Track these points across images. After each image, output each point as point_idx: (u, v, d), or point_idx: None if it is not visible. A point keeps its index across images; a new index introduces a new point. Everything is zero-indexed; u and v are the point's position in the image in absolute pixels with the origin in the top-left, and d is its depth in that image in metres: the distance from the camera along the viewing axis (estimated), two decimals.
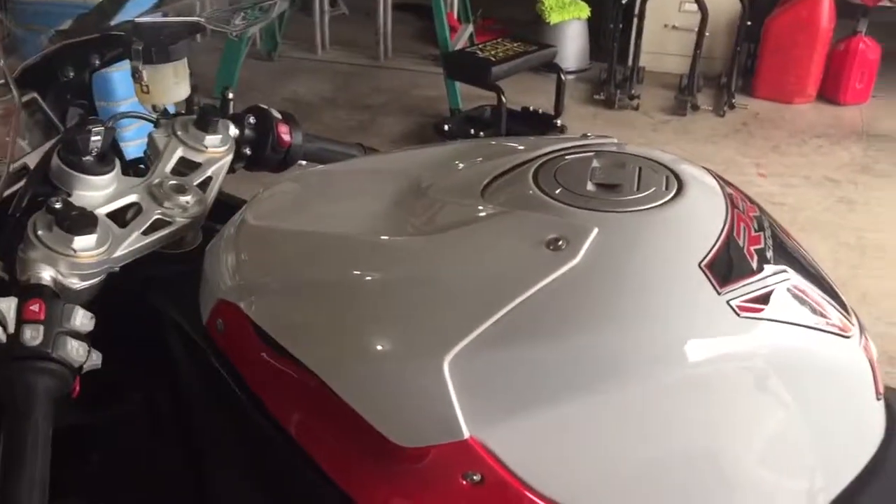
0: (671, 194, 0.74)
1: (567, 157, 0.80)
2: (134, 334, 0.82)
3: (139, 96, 0.93)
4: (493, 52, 3.41)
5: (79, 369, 0.70)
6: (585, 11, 4.42)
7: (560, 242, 0.68)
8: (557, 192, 0.74)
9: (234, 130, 0.97)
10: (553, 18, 4.34)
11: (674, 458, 0.67)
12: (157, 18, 0.93)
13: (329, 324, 0.70)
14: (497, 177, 0.79)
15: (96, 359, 0.72)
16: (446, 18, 3.88)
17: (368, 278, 0.72)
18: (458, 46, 4.05)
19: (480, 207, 0.75)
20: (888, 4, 4.03)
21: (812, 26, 4.06)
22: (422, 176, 0.83)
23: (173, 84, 0.93)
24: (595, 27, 4.54)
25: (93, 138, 0.81)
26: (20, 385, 0.66)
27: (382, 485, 0.70)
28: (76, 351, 0.69)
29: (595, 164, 0.78)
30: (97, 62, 0.94)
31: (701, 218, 0.72)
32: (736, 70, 4.25)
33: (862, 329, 0.76)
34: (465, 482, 0.67)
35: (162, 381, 0.83)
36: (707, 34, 4.10)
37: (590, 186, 0.74)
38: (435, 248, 0.72)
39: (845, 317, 0.75)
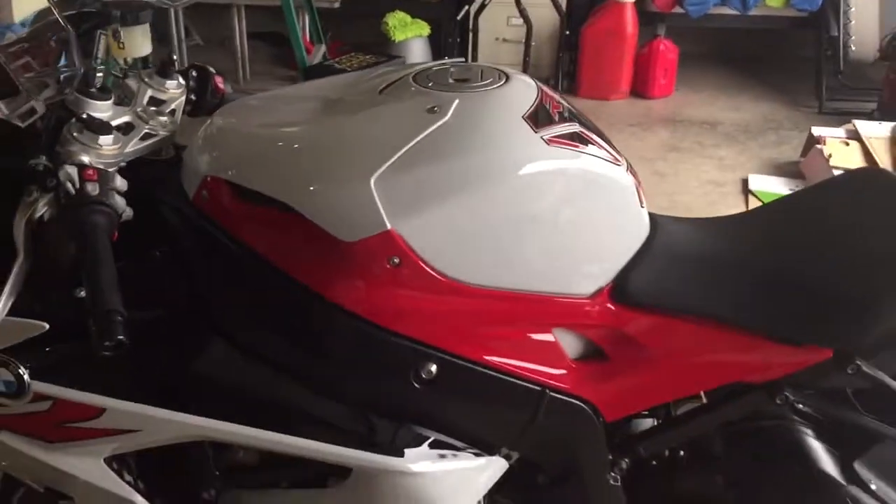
0: (502, 82, 1.15)
1: (433, 68, 1.19)
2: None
3: (115, 51, 1.25)
4: (349, 64, 3.80)
5: (120, 217, 1.02)
6: (426, 29, 4.89)
7: (436, 108, 1.07)
8: (430, 85, 1.13)
9: (181, 81, 1.31)
10: (397, 36, 4.78)
11: (520, 228, 1.06)
12: None
13: (288, 164, 1.06)
14: (387, 85, 1.17)
15: (130, 213, 1.04)
16: (301, 39, 4.24)
17: (314, 133, 1.09)
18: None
19: (382, 98, 1.13)
20: (680, 11, 4.73)
21: (619, 33, 4.69)
22: (337, 88, 1.21)
23: (141, 41, 1.26)
24: (435, 43, 5.02)
25: (98, 75, 1.14)
26: (88, 221, 0.97)
27: (334, 275, 1.05)
28: (119, 202, 1.01)
29: (451, 69, 1.18)
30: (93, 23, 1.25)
31: (522, 93, 1.13)
32: (560, 74, 4.84)
33: (629, 164, 1.19)
34: (388, 265, 1.04)
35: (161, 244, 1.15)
36: (533, 44, 4.64)
37: (450, 80, 1.14)
38: (360, 115, 1.10)
39: (617, 154, 1.17)
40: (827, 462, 1.23)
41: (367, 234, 1.02)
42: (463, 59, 1.28)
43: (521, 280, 1.09)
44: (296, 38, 4.12)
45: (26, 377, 1.05)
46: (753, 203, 3.55)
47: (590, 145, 1.13)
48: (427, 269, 1.04)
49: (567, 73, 4.93)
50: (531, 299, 1.10)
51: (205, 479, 1.17)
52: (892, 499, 1.22)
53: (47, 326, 1.03)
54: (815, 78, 4.65)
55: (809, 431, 1.25)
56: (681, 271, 1.16)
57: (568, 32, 4.78)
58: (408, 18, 4.91)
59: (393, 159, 1.02)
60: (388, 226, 1.01)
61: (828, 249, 1.17)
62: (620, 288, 1.13)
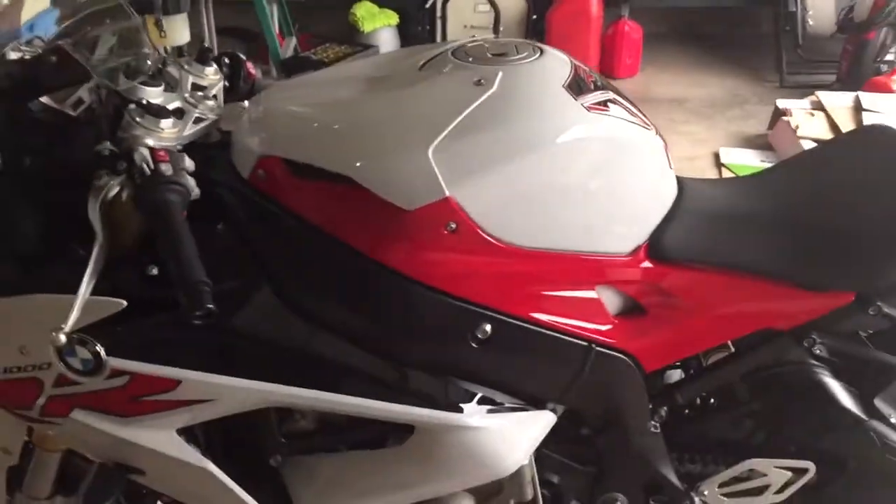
0: (537, 55, 1.21)
1: (469, 45, 1.25)
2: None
3: (156, 40, 1.29)
4: (325, 55, 3.84)
5: (189, 195, 1.06)
6: (394, 18, 4.93)
7: (482, 81, 1.13)
8: (470, 60, 1.20)
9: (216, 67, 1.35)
10: (366, 27, 4.82)
11: (567, 192, 1.13)
12: None
13: (345, 138, 1.11)
14: (426, 62, 1.23)
15: (198, 192, 1.08)
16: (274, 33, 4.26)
17: (364, 108, 1.15)
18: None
19: (424, 74, 1.19)
20: None
21: (585, 15, 4.79)
22: (374, 68, 1.26)
23: (181, 30, 1.30)
24: (404, 32, 5.06)
25: (149, 62, 1.17)
26: (165, 199, 1.01)
27: (394, 242, 1.11)
28: (190, 181, 1.06)
29: (487, 45, 1.24)
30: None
31: (558, 64, 1.20)
32: None
33: (657, 129, 1.26)
34: (445, 231, 1.10)
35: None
36: (501, 30, 4.72)
37: (488, 55, 1.21)
38: (407, 91, 1.15)
39: (647, 119, 1.25)
40: (848, 400, 1.32)
41: (427, 201, 1.07)
42: (496, 35, 1.34)
43: (565, 241, 1.15)
44: (269, 31, 4.14)
45: (103, 354, 1.09)
46: (727, 175, 3.68)
47: (622, 111, 1.20)
48: (481, 233, 1.11)
49: None
50: (575, 259, 1.17)
51: (271, 446, 1.22)
52: None
53: (125, 303, 1.07)
54: (775, 53, 4.80)
55: (830, 373, 1.34)
56: (709, 227, 1.24)
57: (535, 17, 4.86)
58: (375, 9, 4.95)
59: (448, 130, 1.08)
60: (447, 193, 1.07)
61: (843, 200, 1.26)
62: (655, 245, 1.21)
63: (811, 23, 4.69)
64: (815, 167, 1.36)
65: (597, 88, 1.20)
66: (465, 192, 1.08)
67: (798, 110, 3.86)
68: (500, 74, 1.15)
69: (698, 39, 5.39)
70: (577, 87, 1.17)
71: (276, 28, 4.68)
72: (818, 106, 3.88)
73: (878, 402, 1.31)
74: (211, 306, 0.95)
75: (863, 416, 1.31)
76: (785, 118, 3.80)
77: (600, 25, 4.87)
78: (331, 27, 5.13)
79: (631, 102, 1.25)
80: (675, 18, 5.40)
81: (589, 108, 1.15)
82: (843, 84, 4.38)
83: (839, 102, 3.86)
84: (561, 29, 4.85)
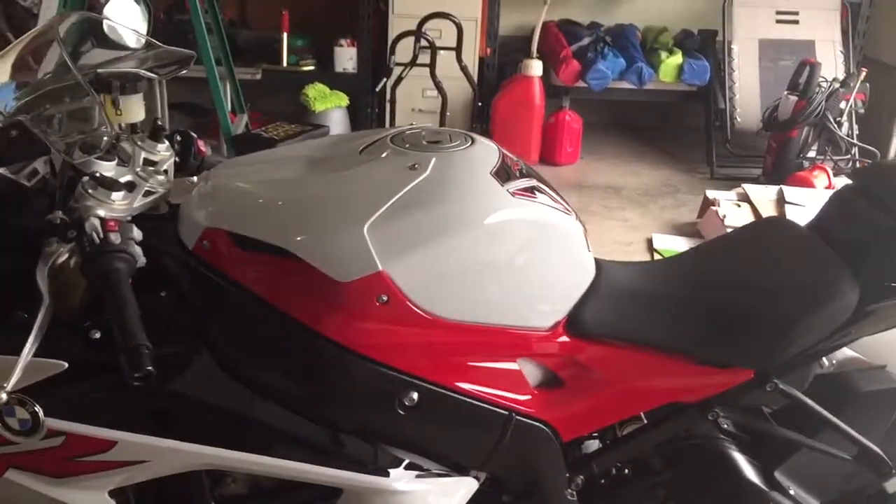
0: (469, 143, 1.32)
1: (406, 132, 1.36)
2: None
3: (112, 117, 1.36)
4: (275, 133, 3.95)
5: (136, 263, 1.13)
6: (344, 100, 5.08)
7: (416, 166, 1.23)
8: (407, 146, 1.30)
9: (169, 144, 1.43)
10: (317, 107, 4.96)
11: (491, 270, 1.22)
12: (122, 70, 1.38)
13: (287, 213, 1.19)
14: (366, 146, 1.33)
15: (143, 260, 1.15)
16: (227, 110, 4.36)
17: (307, 186, 1.23)
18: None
19: (363, 157, 1.29)
20: (583, 85, 5.08)
21: (527, 104, 5.00)
22: (318, 150, 1.36)
23: (136, 108, 1.38)
24: (354, 113, 5.21)
25: (105, 138, 1.25)
26: (113, 268, 1.08)
27: (328, 312, 1.18)
28: (137, 250, 1.12)
29: (423, 132, 1.35)
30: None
31: (486, 152, 1.31)
32: None
33: (577, 215, 1.37)
34: (377, 303, 1.18)
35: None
36: (448, 115, 4.89)
37: (424, 142, 1.31)
38: (347, 172, 1.24)
39: (567, 205, 1.35)
40: (752, 472, 1.41)
41: (361, 274, 1.16)
42: (430, 125, 1.45)
43: (490, 315, 1.24)
44: (221, 108, 4.23)
45: (41, 414, 1.13)
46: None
47: (546, 197, 1.31)
48: (410, 305, 1.19)
49: None
50: (498, 332, 1.25)
51: None
52: (808, 501, 1.42)
53: (66, 365, 1.12)
54: (705, 146, 5.07)
55: (735, 447, 1.44)
56: (623, 306, 1.34)
57: (480, 104, 5.05)
58: (327, 90, 5.10)
59: (383, 209, 1.17)
60: (380, 267, 1.15)
61: (744, 284, 1.38)
62: (573, 322, 1.30)
63: (739, 120, 4.98)
64: (721, 254, 1.48)
65: (522, 176, 1.31)
66: (396, 267, 1.17)
67: (725, 201, 4.07)
68: (434, 160, 1.25)
69: (635, 131, 5.66)
70: (504, 174, 1.28)
71: (228, 105, 4.80)
72: (744, 197, 4.10)
73: (779, 475, 1.41)
74: (150, 368, 1.01)
75: (764, 487, 1.40)
76: (713, 208, 4.00)
77: (542, 114, 5.09)
78: (283, 106, 5.26)
79: (553, 190, 1.36)
80: (613, 110, 5.67)
81: (514, 194, 1.25)
82: (768, 177, 4.64)
83: (764, 195, 4.09)
84: (505, 116, 5.05)
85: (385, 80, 4.99)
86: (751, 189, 4.13)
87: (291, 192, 1.24)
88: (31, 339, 1.07)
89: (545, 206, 1.29)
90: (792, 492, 1.40)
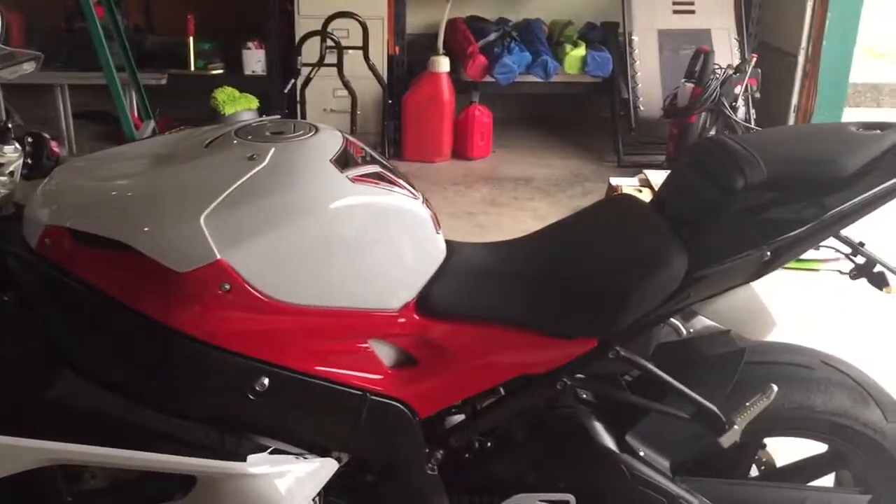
0: (312, 133, 1.35)
1: (253, 124, 1.39)
2: None
3: None
4: None
5: None
6: (254, 102, 5.06)
7: (254, 156, 1.26)
8: (249, 138, 1.33)
9: (18, 146, 1.43)
10: (227, 110, 4.92)
11: (333, 254, 1.25)
12: None
13: (124, 208, 1.21)
14: (212, 140, 1.35)
15: None
16: (130, 115, 4.30)
17: (146, 180, 1.25)
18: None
19: (207, 151, 1.31)
20: (491, 79, 5.16)
21: (437, 100, 5.05)
22: (165, 145, 1.37)
23: None
24: (264, 115, 5.19)
25: None
26: None
27: (172, 303, 1.20)
28: None
29: (268, 125, 1.38)
30: None
31: (329, 141, 1.34)
32: (386, 140, 5.13)
33: (425, 198, 1.42)
34: (220, 291, 1.20)
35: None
36: (359, 113, 4.91)
37: (267, 133, 1.34)
38: (188, 165, 1.27)
39: (414, 190, 1.40)
40: (605, 437, 1.48)
41: (200, 264, 1.18)
42: (279, 115, 1.48)
43: (336, 298, 1.28)
44: (124, 115, 4.18)
45: None
46: None
47: (389, 182, 1.35)
48: (254, 292, 1.22)
49: (392, 139, 5.23)
50: (347, 315, 1.29)
51: None
52: (658, 462, 1.49)
53: None
54: (612, 135, 5.19)
55: (591, 414, 1.50)
56: (472, 284, 1.39)
57: (390, 101, 5.09)
58: (236, 93, 5.07)
59: (219, 199, 1.20)
60: (218, 256, 1.18)
61: (587, 258, 1.44)
62: (423, 302, 1.35)
63: (642, 108, 5.11)
64: (566, 231, 1.54)
65: (365, 163, 1.35)
66: (236, 256, 1.19)
67: (628, 187, 4.18)
68: (273, 150, 1.28)
69: (544, 124, 5.76)
70: (344, 161, 1.31)
71: (134, 112, 4.74)
72: (646, 183, 4.21)
73: (630, 438, 1.47)
74: None
75: (616, 450, 1.46)
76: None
77: (452, 110, 5.14)
78: (193, 111, 5.21)
79: (399, 175, 1.40)
80: (522, 104, 5.76)
81: (353, 180, 1.29)
82: (671, 163, 4.77)
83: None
84: (415, 113, 5.09)
85: (293, 81, 4.99)
86: (652, 174, 4.25)
87: (131, 187, 1.26)
88: None
89: (387, 190, 1.33)
90: (642, 453, 1.47)
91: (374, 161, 1.38)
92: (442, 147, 5.15)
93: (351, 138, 1.41)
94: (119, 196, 1.25)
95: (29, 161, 1.44)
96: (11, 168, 1.37)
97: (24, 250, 1.25)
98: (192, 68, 5.21)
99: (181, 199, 1.22)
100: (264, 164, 1.25)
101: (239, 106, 5.03)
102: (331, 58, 4.78)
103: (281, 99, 5.02)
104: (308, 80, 4.92)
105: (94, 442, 1.21)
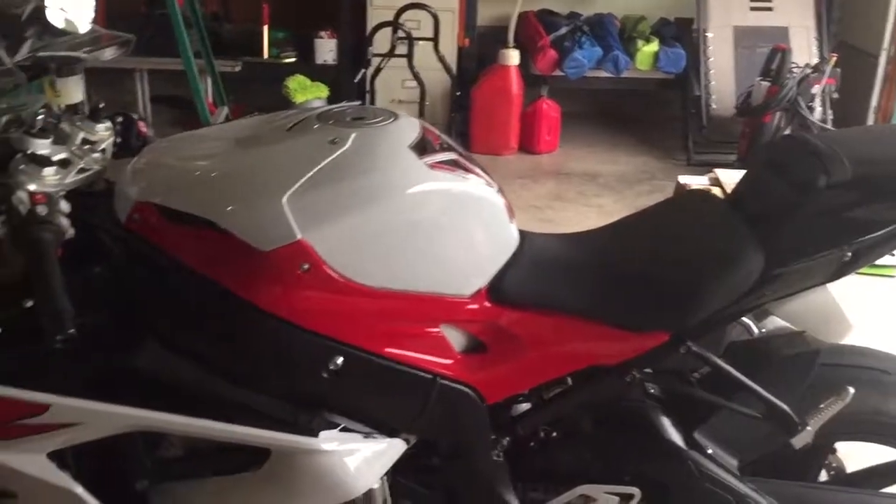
0: (391, 120, 1.38)
1: (334, 110, 1.42)
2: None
3: (51, 98, 1.42)
4: None
5: (63, 235, 1.18)
6: (325, 91, 5.13)
7: (336, 140, 1.29)
8: (331, 122, 1.35)
9: (109, 125, 1.49)
10: (298, 98, 5.00)
11: (410, 239, 1.27)
12: (60, 53, 1.44)
13: (211, 186, 1.25)
14: (294, 124, 1.38)
15: (72, 232, 1.20)
16: (205, 101, 4.41)
17: (232, 161, 1.29)
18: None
19: (290, 134, 1.34)
20: (560, 74, 5.13)
21: (506, 93, 5.05)
22: (249, 128, 1.41)
23: (74, 90, 1.43)
24: (334, 104, 5.25)
25: (38, 118, 1.31)
26: (38, 237, 1.13)
27: (253, 280, 1.24)
28: (64, 222, 1.18)
29: (349, 110, 1.40)
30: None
31: (407, 128, 1.36)
32: (453, 132, 5.15)
33: (500, 188, 1.43)
34: (299, 270, 1.23)
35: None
36: (427, 104, 4.94)
37: (348, 119, 1.37)
38: (272, 147, 1.30)
39: (489, 178, 1.41)
40: (672, 433, 1.47)
41: (281, 243, 1.21)
42: (360, 102, 1.50)
43: (410, 282, 1.30)
44: (199, 101, 4.28)
45: None
46: None
47: (465, 170, 1.37)
48: (332, 273, 1.24)
49: (459, 131, 5.24)
50: (421, 299, 1.31)
51: (138, 472, 1.31)
52: (726, 460, 1.47)
53: (0, 331, 1.18)
54: (682, 133, 5.12)
55: (659, 409, 1.50)
56: (544, 274, 1.40)
57: (459, 93, 5.10)
58: (307, 81, 5.15)
59: (302, 181, 1.23)
60: (299, 236, 1.21)
61: (661, 252, 1.43)
62: (495, 289, 1.36)
63: (714, 106, 5.02)
64: (640, 226, 1.53)
65: (442, 150, 1.37)
66: (316, 236, 1.22)
67: (697, 186, 4.12)
68: (354, 135, 1.31)
69: (613, 119, 5.71)
70: (422, 147, 1.33)
71: (208, 98, 4.85)
72: (715, 182, 4.14)
73: (698, 435, 1.46)
74: (72, 331, 1.07)
75: (683, 446, 1.45)
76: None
77: (521, 103, 5.13)
78: (264, 99, 5.31)
79: (476, 163, 1.42)
80: (591, 99, 5.71)
81: (431, 166, 1.31)
82: (742, 162, 4.68)
83: (735, 178, 4.12)
84: (483, 105, 5.10)
85: (364, 71, 5.05)
86: (722, 173, 4.17)
87: (217, 167, 1.30)
88: None
89: (463, 178, 1.34)
90: (710, 451, 1.46)
91: (450, 149, 1.39)
92: (509, 140, 5.14)
93: (428, 126, 1.43)
94: (205, 175, 1.29)
95: (118, 140, 1.50)
96: (103, 146, 1.42)
97: (113, 225, 1.30)
98: (266, 56, 5.29)
99: (265, 179, 1.25)
100: (345, 148, 1.28)
101: (309, 94, 5.11)
102: (401, 49, 4.82)
103: (351, 88, 5.08)
104: (378, 70, 4.97)
105: (175, 411, 1.25)
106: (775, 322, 1.63)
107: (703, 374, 1.52)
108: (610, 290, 1.38)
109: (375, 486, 1.36)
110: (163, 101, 5.54)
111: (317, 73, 5.24)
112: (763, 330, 1.62)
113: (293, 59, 5.37)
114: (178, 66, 4.27)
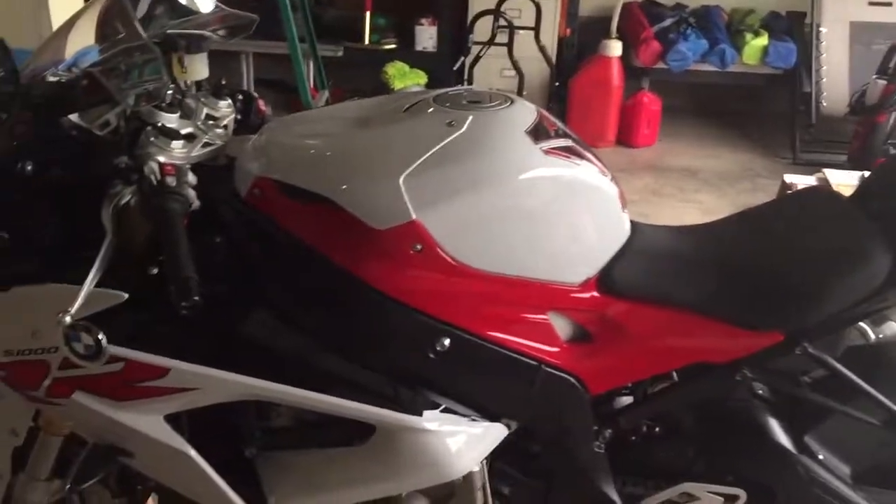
0: (508, 104, 1.37)
1: (450, 92, 1.42)
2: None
3: (178, 74, 1.47)
4: None
5: (190, 205, 1.22)
6: (423, 78, 5.17)
7: (453, 123, 1.29)
8: (447, 105, 1.36)
9: (230, 102, 1.53)
10: (396, 84, 5.06)
11: (522, 224, 1.27)
12: (188, 31, 1.48)
13: (329, 164, 1.27)
14: (410, 105, 1.39)
15: (197, 203, 1.24)
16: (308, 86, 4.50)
17: (350, 140, 1.31)
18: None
19: (406, 115, 1.36)
20: (663, 66, 5.03)
21: (606, 84, 4.99)
22: (365, 108, 1.43)
23: (200, 67, 1.48)
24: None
25: (168, 92, 1.35)
26: (168, 207, 1.18)
27: (366, 258, 1.25)
28: (191, 193, 1.22)
29: (465, 93, 1.41)
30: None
31: (524, 113, 1.36)
32: None
33: (613, 176, 1.41)
34: (411, 251, 1.24)
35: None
36: (525, 94, 4.92)
37: (464, 102, 1.37)
38: (389, 127, 1.32)
39: (603, 167, 1.39)
40: (781, 436, 1.43)
41: (396, 223, 1.23)
42: (473, 86, 1.50)
43: (520, 267, 1.29)
44: (302, 84, 4.37)
45: (104, 341, 1.24)
46: None
47: (580, 157, 1.35)
48: (444, 255, 1.25)
49: None
50: (529, 285, 1.30)
51: (248, 438, 1.35)
52: (837, 467, 1.42)
53: (126, 296, 1.23)
54: (789, 131, 4.94)
55: (767, 410, 1.45)
56: (656, 266, 1.38)
57: (557, 84, 5.06)
58: (406, 68, 5.20)
59: (419, 162, 1.24)
60: (413, 216, 1.22)
61: (779, 249, 1.39)
62: (604, 279, 1.34)
63: (825, 104, 4.84)
64: (758, 220, 1.49)
65: (558, 136, 1.36)
66: (430, 217, 1.23)
67: (804, 185, 3.98)
68: (470, 118, 1.31)
69: (715, 115, 5.56)
70: (537, 132, 1.32)
71: (310, 82, 4.95)
72: (824, 182, 3.98)
73: (808, 439, 1.42)
74: (197, 298, 1.10)
75: (793, 450, 1.41)
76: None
77: (620, 95, 5.06)
78: (363, 84, 5.38)
79: (591, 151, 1.40)
80: (694, 93, 5.58)
81: (547, 152, 1.30)
82: (853, 163, 4.50)
83: (845, 180, 3.96)
84: (582, 96, 5.04)
85: (463, 58, 5.06)
86: (831, 174, 4.01)
87: (335, 145, 1.32)
88: (93, 270, 1.18)
89: (578, 165, 1.33)
90: (821, 456, 1.41)
91: (566, 135, 1.38)
92: (606, 132, 5.08)
93: (544, 112, 1.42)
94: (324, 153, 1.31)
95: (238, 117, 1.54)
96: (225, 122, 1.47)
97: (234, 198, 1.34)
98: (367, 42, 5.36)
99: (382, 159, 1.27)
100: (462, 130, 1.28)
101: (408, 81, 5.16)
102: (501, 37, 4.81)
103: (449, 76, 5.10)
104: (477, 58, 4.98)
105: (286, 382, 1.28)
106: (893, 328, 1.57)
107: (813, 378, 1.47)
108: (725, 285, 1.35)
109: (475, 469, 1.37)
110: (265, 84, 5.68)
111: (416, 59, 5.29)
112: (881, 335, 1.56)
113: (393, 46, 5.42)
114: (282, 50, 4.37)
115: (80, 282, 1.17)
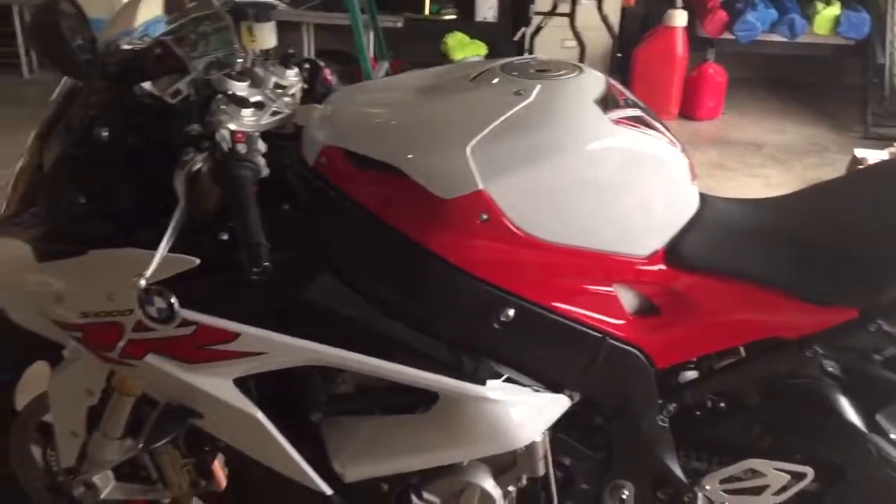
0: (576, 73, 1.35)
1: (517, 62, 1.41)
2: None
3: (247, 43, 1.49)
4: None
5: (259, 172, 1.24)
6: (483, 49, 5.13)
7: (521, 92, 1.28)
8: (515, 74, 1.35)
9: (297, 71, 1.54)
10: (456, 55, 5.03)
11: (590, 195, 1.26)
12: (257, 0, 1.50)
13: (397, 133, 1.27)
14: (478, 74, 1.39)
15: (267, 171, 1.26)
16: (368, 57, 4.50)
17: (417, 109, 1.31)
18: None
19: (474, 84, 1.35)
20: (730, 37, 4.90)
21: (670, 55, 4.88)
22: (433, 77, 1.43)
23: (269, 36, 1.49)
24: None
25: (238, 61, 1.37)
26: (238, 174, 1.19)
27: (432, 227, 1.25)
28: (261, 161, 1.24)
29: (532, 62, 1.39)
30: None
31: (593, 82, 1.34)
32: None
33: (683, 147, 1.38)
34: (477, 220, 1.24)
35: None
36: (586, 65, 4.84)
37: (532, 71, 1.35)
38: (456, 96, 1.31)
39: (673, 137, 1.37)
40: (852, 414, 1.39)
41: (462, 192, 1.22)
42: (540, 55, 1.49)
43: (587, 239, 1.28)
44: (363, 55, 4.37)
45: (176, 305, 1.27)
46: None
47: (649, 128, 1.33)
48: (510, 225, 1.24)
49: None
50: (595, 256, 1.29)
51: (314, 404, 1.38)
52: None
53: (198, 261, 1.25)
54: (860, 104, 4.79)
55: (837, 386, 1.42)
56: (725, 239, 1.35)
57: (620, 55, 4.97)
58: (466, 39, 5.17)
59: (486, 131, 1.23)
60: (480, 186, 1.22)
61: (856, 223, 1.35)
62: (672, 251, 1.32)
63: None
64: (832, 193, 1.45)
65: (627, 106, 1.34)
66: (497, 187, 1.23)
67: (875, 160, 3.86)
68: (539, 87, 1.29)
69: (783, 87, 5.41)
70: (607, 102, 1.31)
71: (370, 53, 4.95)
72: None
73: (880, 418, 1.38)
74: (266, 264, 1.12)
75: (864, 429, 1.38)
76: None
77: (685, 67, 4.95)
78: (423, 54, 5.36)
79: (660, 121, 1.38)
80: (760, 65, 5.44)
81: (616, 122, 1.28)
82: None
83: None
84: (645, 67, 4.95)
85: (524, 29, 5.01)
86: None
87: (402, 115, 1.32)
88: (166, 235, 1.20)
89: (647, 135, 1.31)
90: (893, 436, 1.38)
91: (636, 105, 1.36)
92: (669, 105, 4.98)
93: (613, 81, 1.39)
94: (391, 122, 1.31)
95: (305, 86, 1.55)
96: (293, 91, 1.48)
97: (301, 166, 1.35)
98: (427, 13, 5.34)
99: (449, 128, 1.26)
100: (530, 99, 1.27)
101: (468, 52, 5.13)
102: (563, 7, 4.74)
103: (509, 47, 5.05)
104: (538, 29, 4.92)
105: (351, 349, 1.30)
106: None
107: (885, 356, 1.43)
108: (798, 259, 1.32)
109: (537, 439, 1.37)
110: (325, 55, 5.71)
111: (476, 30, 5.25)
112: None
113: (453, 16, 5.39)
114: (343, 21, 4.38)
115: (154, 247, 1.20)
